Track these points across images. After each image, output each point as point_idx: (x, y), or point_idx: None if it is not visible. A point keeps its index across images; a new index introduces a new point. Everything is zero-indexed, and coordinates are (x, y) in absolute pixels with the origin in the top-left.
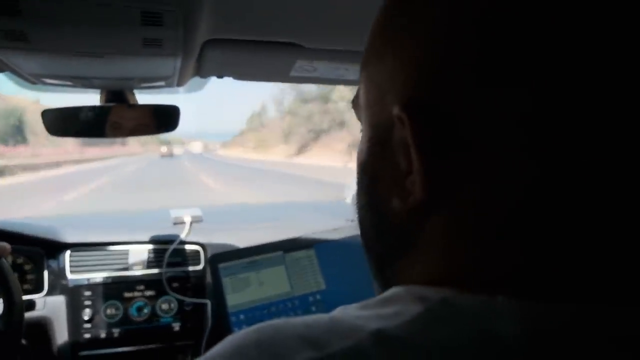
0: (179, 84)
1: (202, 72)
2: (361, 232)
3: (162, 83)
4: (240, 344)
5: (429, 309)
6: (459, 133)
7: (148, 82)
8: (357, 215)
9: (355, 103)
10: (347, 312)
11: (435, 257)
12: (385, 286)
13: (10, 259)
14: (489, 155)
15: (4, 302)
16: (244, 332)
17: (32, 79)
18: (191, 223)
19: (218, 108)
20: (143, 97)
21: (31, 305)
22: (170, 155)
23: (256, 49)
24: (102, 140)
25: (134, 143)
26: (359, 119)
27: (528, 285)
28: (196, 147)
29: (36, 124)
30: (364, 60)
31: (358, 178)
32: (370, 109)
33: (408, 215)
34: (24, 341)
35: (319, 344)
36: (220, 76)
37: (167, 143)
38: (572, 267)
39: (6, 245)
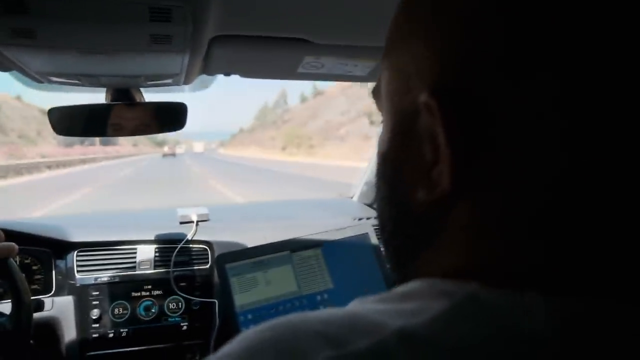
0: (186, 82)
1: (209, 69)
2: (380, 225)
3: (169, 81)
4: (255, 343)
5: (454, 306)
6: (490, 123)
7: (155, 79)
8: (376, 207)
9: (376, 93)
10: (365, 307)
11: (458, 250)
12: (403, 280)
13: (18, 259)
14: (519, 148)
15: (12, 302)
16: (259, 331)
17: (39, 78)
18: (198, 222)
19: (212, 107)
20: (148, 96)
21: (40, 305)
22: (173, 154)
23: (264, 45)
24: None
25: (125, 143)
26: (380, 109)
27: (553, 281)
28: (198, 147)
29: (8, 121)
30: (387, 48)
31: (379, 168)
32: (393, 97)
33: (433, 207)
34: (32, 341)
35: (339, 342)
36: (227, 74)
37: (161, 143)
38: (597, 264)
39: (14, 245)
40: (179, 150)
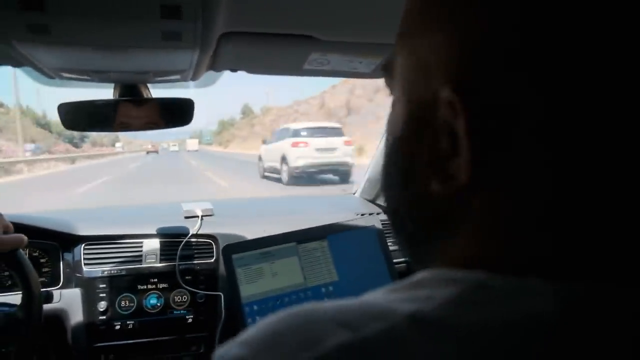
0: (194, 78)
1: (217, 65)
2: (391, 211)
3: (178, 77)
4: (275, 329)
5: (462, 292)
6: (508, 122)
7: (164, 75)
8: (386, 194)
9: (388, 70)
10: (377, 296)
11: (467, 241)
12: (419, 263)
13: (27, 252)
14: (530, 147)
15: (23, 293)
16: (278, 318)
17: (51, 73)
18: (202, 217)
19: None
20: (154, 92)
21: (49, 297)
22: (156, 152)
23: (271, 42)
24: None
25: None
26: (391, 87)
27: (557, 269)
28: (192, 144)
29: None
30: (406, 30)
31: (390, 153)
32: (410, 82)
33: (446, 198)
34: (42, 332)
35: (353, 326)
36: (234, 70)
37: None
38: (598, 252)
39: (23, 236)
40: (172, 147)
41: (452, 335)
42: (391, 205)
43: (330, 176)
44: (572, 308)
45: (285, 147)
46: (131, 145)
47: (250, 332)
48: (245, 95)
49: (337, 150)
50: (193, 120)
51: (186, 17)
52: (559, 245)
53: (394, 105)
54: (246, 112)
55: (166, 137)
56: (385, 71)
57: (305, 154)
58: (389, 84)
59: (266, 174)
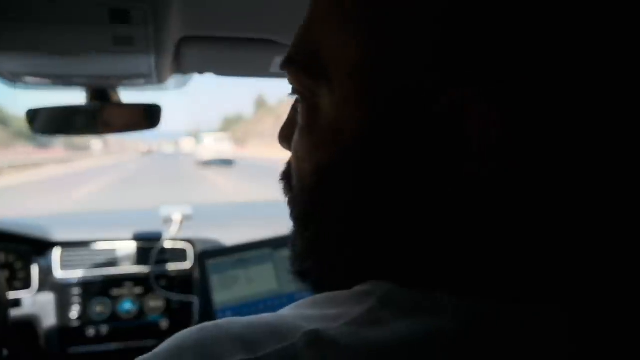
0: (160, 81)
1: (182, 69)
2: (322, 234)
3: (142, 81)
4: (180, 344)
5: (371, 308)
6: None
7: (127, 79)
8: (314, 213)
9: (311, 65)
10: (294, 312)
11: (381, 255)
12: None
13: (2, 257)
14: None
15: None
16: (189, 331)
17: (12, 78)
18: (181, 221)
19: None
20: (133, 95)
21: (18, 301)
22: (150, 152)
23: (233, 46)
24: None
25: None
26: (298, 83)
27: (463, 283)
28: (189, 145)
29: None
30: (364, 3)
31: (335, 163)
32: (377, 75)
33: (457, 200)
34: (12, 338)
35: (253, 346)
36: (201, 72)
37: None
38: (504, 269)
39: None
40: (167, 149)
41: (350, 356)
42: (326, 227)
43: (224, 164)
44: (471, 326)
45: (200, 149)
46: (121, 146)
47: (161, 346)
48: (257, 87)
49: (225, 151)
50: (190, 122)
51: (136, 22)
52: (465, 259)
53: (317, 108)
54: (261, 104)
55: (159, 138)
56: (308, 66)
57: (207, 152)
58: (309, 83)
59: (197, 164)
